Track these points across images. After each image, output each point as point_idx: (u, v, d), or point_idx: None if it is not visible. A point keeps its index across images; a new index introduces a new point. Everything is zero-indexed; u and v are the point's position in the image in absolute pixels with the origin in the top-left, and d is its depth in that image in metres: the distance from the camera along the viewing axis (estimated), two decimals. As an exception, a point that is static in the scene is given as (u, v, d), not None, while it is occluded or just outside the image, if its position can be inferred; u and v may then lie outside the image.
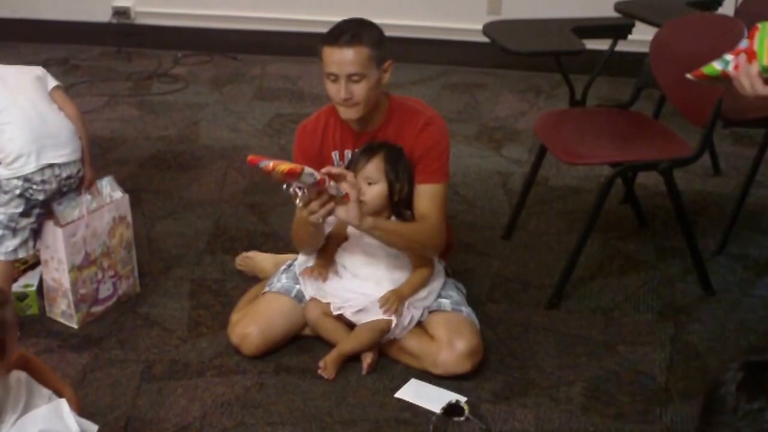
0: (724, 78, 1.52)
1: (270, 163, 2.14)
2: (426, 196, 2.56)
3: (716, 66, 1.53)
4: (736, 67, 1.47)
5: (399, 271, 2.60)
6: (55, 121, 2.74)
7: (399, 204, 2.56)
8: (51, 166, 2.68)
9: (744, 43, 1.50)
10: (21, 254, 2.74)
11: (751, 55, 1.43)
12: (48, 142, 2.68)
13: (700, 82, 1.61)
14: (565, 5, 4.05)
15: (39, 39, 5.58)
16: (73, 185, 2.76)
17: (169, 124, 4.46)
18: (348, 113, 2.51)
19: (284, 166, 2.15)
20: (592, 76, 3.35)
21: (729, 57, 1.51)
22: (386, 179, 2.51)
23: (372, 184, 2.50)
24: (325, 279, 2.61)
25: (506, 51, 3.17)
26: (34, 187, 2.65)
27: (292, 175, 2.17)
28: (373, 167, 2.50)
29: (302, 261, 2.73)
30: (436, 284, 2.65)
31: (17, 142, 2.64)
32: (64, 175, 2.71)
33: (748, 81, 1.42)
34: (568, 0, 4.31)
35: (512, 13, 4.75)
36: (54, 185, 2.69)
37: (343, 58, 2.42)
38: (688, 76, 1.62)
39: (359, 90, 2.45)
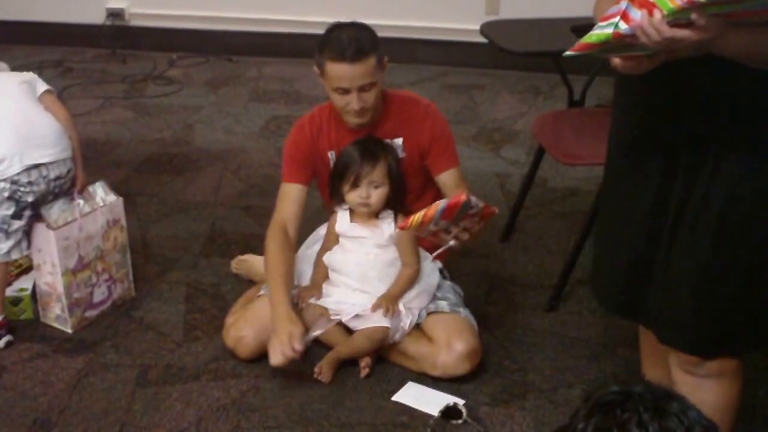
0: (612, 40, 1.54)
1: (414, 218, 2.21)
2: (455, 181, 2.62)
3: (605, 30, 1.55)
4: (627, 20, 1.52)
5: (388, 269, 2.59)
6: (41, 122, 2.72)
7: (394, 200, 2.57)
8: (37, 166, 2.65)
9: (624, 5, 1.53)
10: (14, 256, 2.72)
11: (648, 6, 1.49)
12: (33, 143, 2.65)
13: (583, 55, 1.63)
14: (562, 5, 4.02)
15: (33, 41, 5.56)
16: (64, 186, 2.74)
17: (164, 126, 4.44)
18: (359, 120, 2.53)
19: (433, 209, 2.19)
20: (590, 77, 3.34)
21: (614, 19, 1.54)
22: (389, 181, 2.53)
23: (377, 187, 2.53)
24: (319, 297, 2.61)
25: (504, 51, 3.16)
26: (22, 189, 2.63)
27: (455, 206, 2.18)
28: (379, 172, 2.52)
29: (301, 269, 2.71)
30: (429, 282, 2.63)
31: (0, 146, 2.62)
32: (52, 175, 2.68)
33: (653, 29, 1.48)
34: (565, 0, 4.30)
35: (510, 13, 4.73)
36: (42, 186, 2.67)
37: (353, 73, 2.43)
38: (568, 53, 1.64)
39: (370, 97, 2.49)
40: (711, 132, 1.74)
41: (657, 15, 1.47)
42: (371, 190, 2.51)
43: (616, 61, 1.66)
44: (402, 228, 2.31)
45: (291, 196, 2.64)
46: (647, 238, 1.87)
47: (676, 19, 1.46)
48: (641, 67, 1.64)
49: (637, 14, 1.49)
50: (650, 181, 1.84)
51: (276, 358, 2.39)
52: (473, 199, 2.21)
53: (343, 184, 2.53)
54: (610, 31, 1.53)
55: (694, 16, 1.44)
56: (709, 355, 1.88)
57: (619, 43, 1.55)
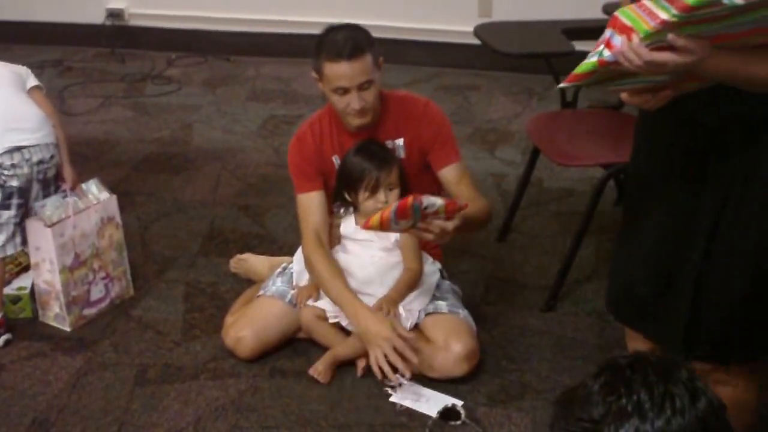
0: (599, 68, 1.55)
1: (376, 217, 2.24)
2: (458, 176, 2.63)
3: (591, 59, 1.57)
4: (610, 48, 1.53)
5: (390, 272, 2.60)
6: (24, 108, 2.74)
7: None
8: (20, 149, 2.66)
9: (608, 33, 1.54)
10: (9, 251, 2.73)
11: (627, 31, 1.49)
12: (13, 126, 2.67)
13: (575, 85, 1.64)
14: (554, 7, 4.05)
15: (33, 41, 5.56)
16: (48, 173, 2.74)
17: (163, 125, 4.44)
18: (361, 121, 2.54)
19: (387, 210, 2.23)
20: (582, 78, 3.35)
21: (599, 48, 1.56)
22: (400, 182, 2.57)
23: (392, 189, 2.57)
24: (317, 299, 2.62)
25: (497, 52, 3.17)
26: (6, 172, 2.65)
27: (404, 209, 2.21)
28: (395, 175, 2.56)
29: (299, 269, 2.72)
30: (429, 283, 2.64)
31: None
32: (35, 159, 2.69)
33: (633, 53, 1.49)
34: (557, 2, 4.31)
35: (502, 15, 4.74)
36: (26, 170, 2.67)
37: (352, 71, 2.43)
38: (562, 85, 1.65)
39: (370, 95, 2.49)
40: (742, 138, 1.71)
41: (635, 39, 1.47)
42: (388, 194, 2.55)
43: (624, 96, 1.67)
44: (365, 227, 2.32)
45: (313, 206, 2.63)
46: (676, 250, 1.85)
47: (655, 42, 1.46)
48: (647, 105, 1.65)
49: (619, 40, 1.50)
50: (680, 195, 1.82)
51: (381, 352, 2.41)
52: (426, 199, 2.23)
53: (358, 194, 2.55)
54: (595, 59, 1.55)
55: (671, 37, 1.44)
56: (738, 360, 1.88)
57: (607, 71, 1.56)
